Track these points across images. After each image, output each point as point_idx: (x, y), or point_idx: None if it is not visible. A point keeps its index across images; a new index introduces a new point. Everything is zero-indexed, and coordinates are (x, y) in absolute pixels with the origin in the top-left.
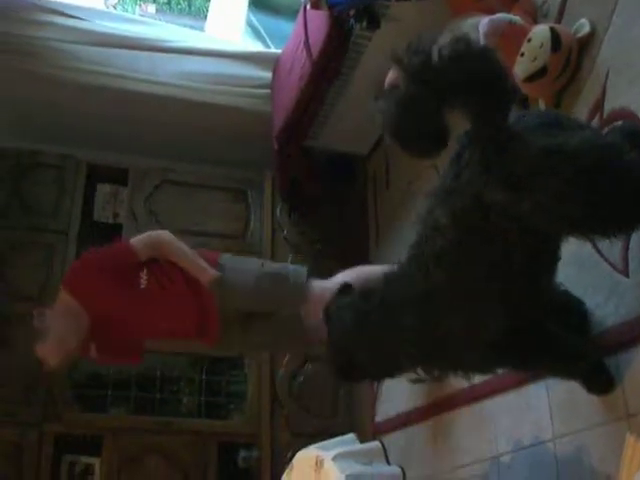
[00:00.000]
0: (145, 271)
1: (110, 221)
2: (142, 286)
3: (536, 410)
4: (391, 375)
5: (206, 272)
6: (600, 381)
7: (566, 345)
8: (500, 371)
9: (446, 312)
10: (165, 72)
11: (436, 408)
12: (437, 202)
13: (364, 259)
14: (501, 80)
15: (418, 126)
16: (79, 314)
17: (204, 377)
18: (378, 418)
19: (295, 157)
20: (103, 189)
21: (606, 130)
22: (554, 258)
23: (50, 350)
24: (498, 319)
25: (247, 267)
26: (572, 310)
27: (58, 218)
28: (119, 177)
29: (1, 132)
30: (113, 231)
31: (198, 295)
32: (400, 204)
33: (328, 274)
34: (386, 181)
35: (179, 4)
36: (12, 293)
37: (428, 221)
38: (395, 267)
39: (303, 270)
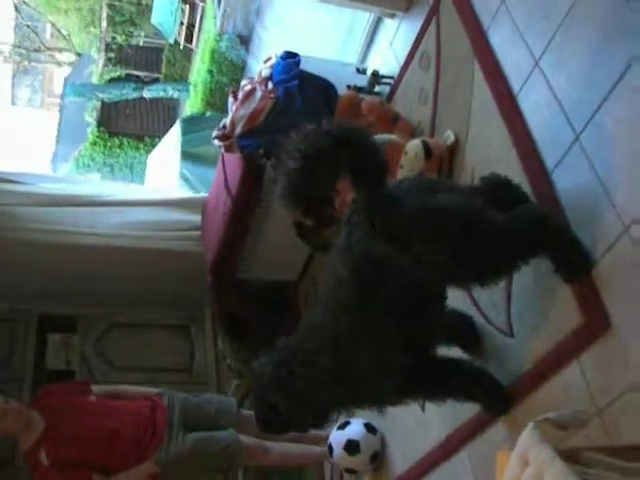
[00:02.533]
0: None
1: (63, 367)
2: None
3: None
4: (315, 422)
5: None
6: (497, 401)
7: (464, 369)
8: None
9: (356, 352)
10: (104, 224)
11: None
12: (337, 258)
13: None
14: (371, 155)
15: (307, 191)
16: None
17: None
18: None
19: (229, 290)
20: (54, 338)
21: (478, 181)
22: (441, 298)
23: None
24: (399, 351)
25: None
26: (461, 327)
27: (12, 368)
28: (68, 325)
29: None
30: (65, 377)
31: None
32: None
33: None
34: (317, 301)
35: (122, 170)
36: None
37: (332, 275)
38: (309, 318)
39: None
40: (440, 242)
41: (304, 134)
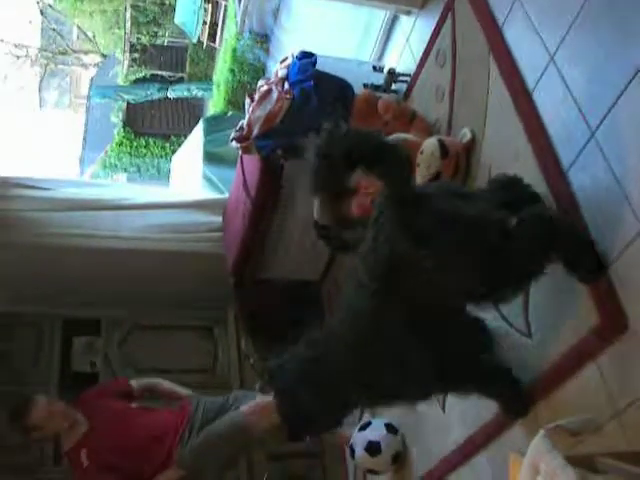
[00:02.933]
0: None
1: (88, 370)
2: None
3: None
4: (337, 420)
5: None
6: (517, 403)
7: (485, 367)
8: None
9: (378, 354)
10: (127, 227)
11: None
12: (360, 261)
13: None
14: (389, 152)
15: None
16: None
17: None
18: None
19: (251, 290)
20: (79, 341)
21: (486, 184)
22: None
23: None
24: (421, 356)
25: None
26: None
27: (39, 371)
28: (93, 328)
29: None
30: (91, 380)
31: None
32: None
33: None
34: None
35: (148, 170)
36: None
37: (354, 278)
38: (333, 319)
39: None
40: (461, 251)
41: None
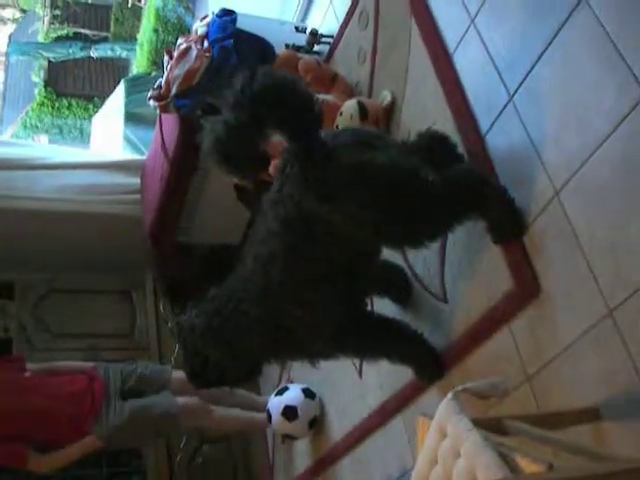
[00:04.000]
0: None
1: (1, 336)
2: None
3: (398, 444)
4: (247, 374)
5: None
6: (431, 367)
7: (399, 331)
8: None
9: (287, 302)
10: (42, 187)
11: (322, 464)
12: (268, 209)
13: None
14: (307, 105)
15: (241, 149)
16: None
17: (105, 470)
18: None
19: (169, 253)
20: None
21: (415, 136)
22: (374, 255)
23: None
24: (330, 304)
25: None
26: (395, 279)
27: None
28: (5, 292)
29: None
30: (3, 345)
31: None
32: None
33: None
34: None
35: (71, 132)
36: None
37: (263, 226)
38: (239, 268)
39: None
40: (372, 200)
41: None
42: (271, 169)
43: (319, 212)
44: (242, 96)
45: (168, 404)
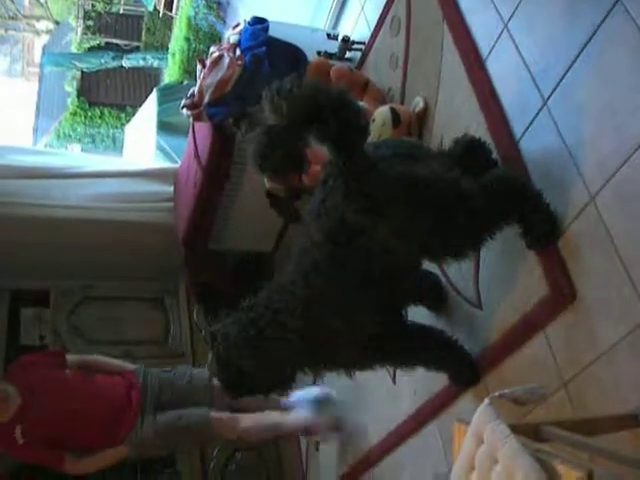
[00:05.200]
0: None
1: (37, 343)
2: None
3: (433, 450)
4: (280, 384)
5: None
6: (466, 373)
7: (435, 339)
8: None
9: (326, 314)
10: (76, 196)
11: (356, 471)
12: (310, 220)
13: None
14: (354, 117)
15: (282, 147)
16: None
17: (140, 475)
18: None
19: (202, 261)
20: (26, 313)
21: (452, 143)
22: (414, 268)
23: None
24: (368, 315)
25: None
26: (430, 287)
27: None
28: (41, 299)
29: None
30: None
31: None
32: None
33: None
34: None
35: (103, 141)
36: None
37: (305, 237)
38: (278, 279)
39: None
40: (415, 214)
41: (279, 93)
42: (304, 177)
43: (362, 225)
44: (290, 109)
45: (201, 418)
